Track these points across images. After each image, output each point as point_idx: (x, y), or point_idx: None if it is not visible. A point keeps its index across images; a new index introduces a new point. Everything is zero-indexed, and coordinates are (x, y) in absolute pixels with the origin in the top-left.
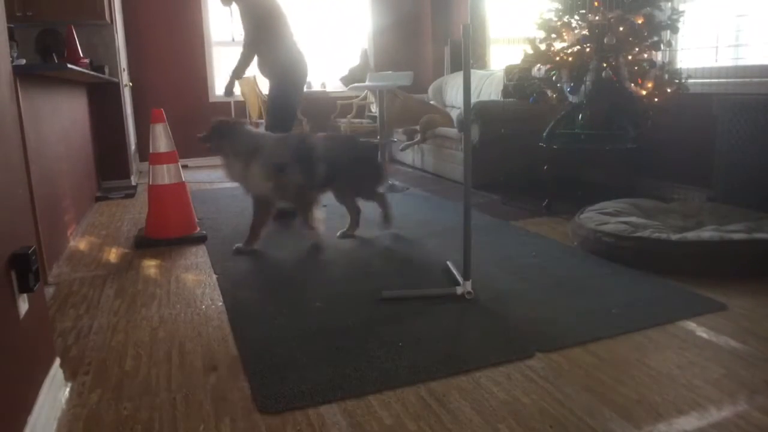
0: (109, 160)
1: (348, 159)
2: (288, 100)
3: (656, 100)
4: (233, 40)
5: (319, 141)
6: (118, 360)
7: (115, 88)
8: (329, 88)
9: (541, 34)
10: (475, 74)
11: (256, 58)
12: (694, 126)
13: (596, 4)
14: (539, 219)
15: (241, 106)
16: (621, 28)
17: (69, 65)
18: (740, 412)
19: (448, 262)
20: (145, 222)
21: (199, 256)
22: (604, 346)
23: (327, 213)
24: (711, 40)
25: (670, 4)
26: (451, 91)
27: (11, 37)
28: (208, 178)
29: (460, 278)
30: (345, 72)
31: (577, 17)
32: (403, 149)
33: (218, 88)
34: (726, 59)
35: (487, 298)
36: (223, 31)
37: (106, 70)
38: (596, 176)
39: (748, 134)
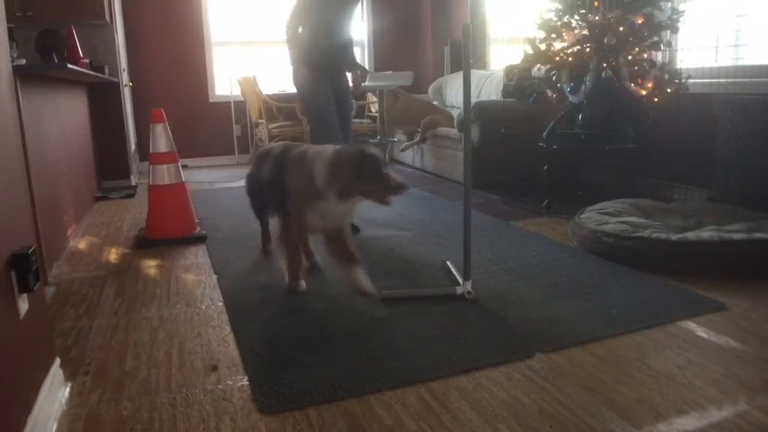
0: (109, 160)
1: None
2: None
3: (656, 100)
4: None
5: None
6: (118, 360)
7: (115, 88)
8: None
9: (541, 34)
10: (475, 74)
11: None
12: (694, 126)
13: (596, 4)
14: (539, 219)
15: (241, 106)
16: (621, 28)
17: (69, 65)
18: (740, 412)
19: (448, 262)
20: (145, 222)
21: (199, 256)
22: (604, 346)
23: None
24: (711, 40)
25: (670, 4)
26: (451, 91)
27: (11, 37)
28: (208, 178)
29: (460, 278)
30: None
31: (577, 17)
32: (403, 150)
33: (218, 88)
34: (726, 59)
35: (487, 298)
36: (223, 31)
37: (106, 70)
38: (596, 176)
39: (748, 134)
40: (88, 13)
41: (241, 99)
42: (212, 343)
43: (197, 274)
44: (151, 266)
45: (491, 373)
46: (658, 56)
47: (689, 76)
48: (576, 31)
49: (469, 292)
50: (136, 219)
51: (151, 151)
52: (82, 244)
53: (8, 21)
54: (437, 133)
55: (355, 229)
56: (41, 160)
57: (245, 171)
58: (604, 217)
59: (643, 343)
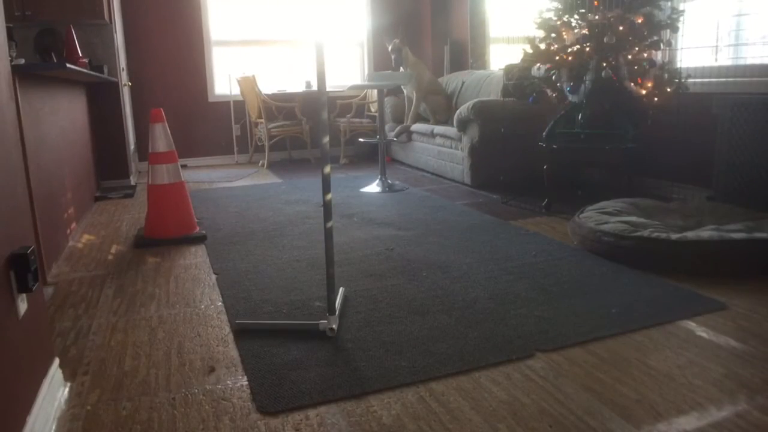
0: (108, 159)
1: None
2: None
3: (656, 99)
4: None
5: None
6: (117, 360)
7: (114, 87)
8: (328, 88)
9: (541, 34)
10: (475, 74)
11: None
12: (694, 126)
13: (596, 3)
14: (539, 218)
15: (240, 105)
16: (621, 28)
17: (68, 65)
18: (740, 412)
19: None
20: (144, 222)
21: (198, 255)
22: (604, 346)
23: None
24: (711, 40)
25: (669, 3)
26: (451, 90)
27: (10, 36)
28: (208, 178)
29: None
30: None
31: (576, 16)
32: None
33: (217, 87)
34: (726, 58)
35: (487, 298)
36: (222, 31)
37: (105, 70)
38: (596, 176)
39: (748, 134)
40: (87, 13)
41: (241, 98)
42: (211, 343)
43: (197, 274)
44: (150, 266)
45: (491, 373)
46: (658, 55)
47: (689, 76)
48: (576, 31)
49: (331, 329)
50: (135, 219)
51: (150, 150)
52: (81, 244)
53: (7, 21)
54: (436, 132)
55: None
56: (40, 159)
57: (244, 171)
58: (604, 217)
59: (643, 343)
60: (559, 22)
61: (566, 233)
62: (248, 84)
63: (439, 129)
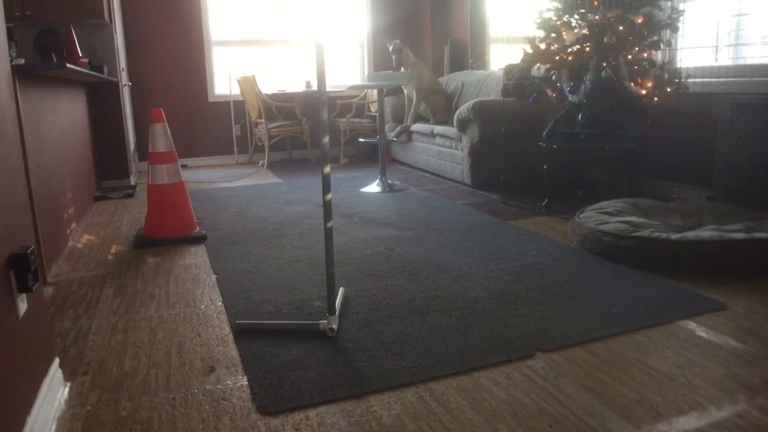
0: (108, 159)
1: None
2: None
3: (656, 99)
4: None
5: None
6: (117, 360)
7: (114, 87)
8: (328, 88)
9: (541, 34)
10: (475, 74)
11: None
12: (694, 125)
13: (596, 3)
14: (539, 218)
15: (240, 105)
16: (621, 28)
17: (68, 65)
18: (740, 412)
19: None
20: (144, 222)
21: (198, 255)
22: (604, 346)
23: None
24: (711, 40)
25: (669, 3)
26: (451, 90)
27: (10, 36)
28: (208, 178)
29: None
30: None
31: (576, 16)
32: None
33: (217, 87)
34: (726, 58)
35: (487, 298)
36: (222, 31)
37: (105, 70)
38: (596, 176)
39: (748, 134)
40: (88, 13)
41: (241, 98)
42: (211, 343)
43: (197, 274)
44: (150, 266)
45: (491, 373)
46: (658, 55)
47: (689, 76)
48: (576, 31)
49: (331, 329)
50: (135, 219)
51: (150, 150)
52: (81, 244)
53: (7, 21)
54: (436, 132)
55: None
56: (40, 159)
57: (244, 171)
58: (604, 217)
59: (643, 343)
60: (559, 22)
61: (566, 233)
62: (248, 84)
63: (439, 129)
